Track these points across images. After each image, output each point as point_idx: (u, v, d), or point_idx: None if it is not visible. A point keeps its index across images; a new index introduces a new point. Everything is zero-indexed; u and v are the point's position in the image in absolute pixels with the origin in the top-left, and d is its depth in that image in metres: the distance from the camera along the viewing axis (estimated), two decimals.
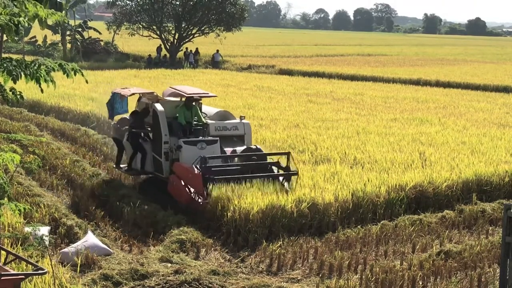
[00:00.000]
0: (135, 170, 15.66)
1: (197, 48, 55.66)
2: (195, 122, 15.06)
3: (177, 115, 14.95)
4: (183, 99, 15.30)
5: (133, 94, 16.12)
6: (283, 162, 14.76)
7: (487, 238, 12.65)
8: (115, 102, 16.72)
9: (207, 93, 15.96)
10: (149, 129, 15.48)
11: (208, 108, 16.28)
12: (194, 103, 15.22)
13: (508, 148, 18.86)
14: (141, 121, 15.50)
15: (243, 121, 15.54)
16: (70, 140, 21.87)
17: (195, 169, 13.64)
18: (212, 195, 13.18)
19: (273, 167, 14.58)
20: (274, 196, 12.93)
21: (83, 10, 77.83)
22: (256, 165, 14.34)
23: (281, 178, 14.11)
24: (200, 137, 14.72)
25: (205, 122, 15.12)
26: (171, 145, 14.60)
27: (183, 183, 13.91)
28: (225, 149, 14.75)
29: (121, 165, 16.10)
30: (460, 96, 33.95)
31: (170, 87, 16.01)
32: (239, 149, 14.79)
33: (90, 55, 54.52)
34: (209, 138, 14.81)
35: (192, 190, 13.71)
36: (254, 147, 15.02)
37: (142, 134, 15.60)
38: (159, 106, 14.89)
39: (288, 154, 14.64)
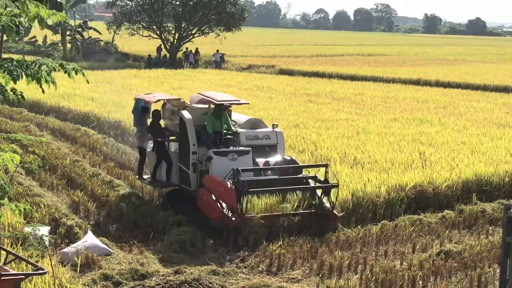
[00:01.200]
0: (160, 182, 14.60)
1: (197, 48, 55.67)
2: (224, 131, 13.91)
3: (206, 123, 13.77)
4: (212, 106, 14.20)
5: (158, 100, 14.97)
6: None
7: (487, 238, 12.65)
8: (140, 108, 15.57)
9: (239, 100, 14.79)
10: (174, 137, 14.54)
11: (238, 116, 15.05)
12: (224, 111, 14.08)
13: (508, 148, 18.87)
14: (158, 128, 14.55)
15: (275, 129, 14.26)
16: (70, 140, 21.88)
17: (228, 183, 12.46)
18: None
19: (310, 180, 13.42)
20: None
21: (83, 10, 77.94)
22: (293, 179, 13.26)
23: (319, 193, 13.02)
24: (231, 147, 13.58)
25: (235, 131, 13.94)
26: (199, 156, 13.49)
27: (214, 198, 12.71)
28: (257, 160, 13.62)
29: (144, 176, 15.13)
30: (460, 96, 33.95)
31: (199, 93, 14.90)
32: (272, 160, 13.69)
33: (90, 55, 54.54)
34: (241, 148, 13.62)
35: (224, 205, 12.53)
36: (289, 158, 13.92)
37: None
38: (186, 114, 13.73)
39: (326, 166, 13.36)
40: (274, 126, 14.39)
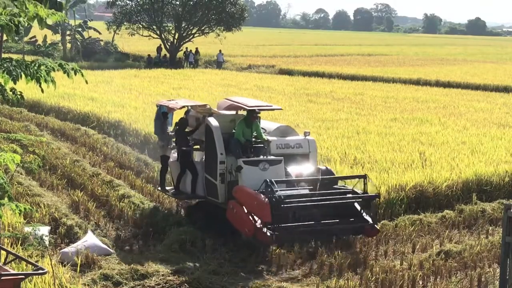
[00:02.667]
0: (185, 193, 13.74)
1: (197, 48, 55.66)
2: (253, 139, 13.08)
3: (235, 131, 12.97)
4: (240, 112, 13.43)
5: (183, 107, 14.00)
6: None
7: (487, 238, 12.65)
8: (158, 116, 14.55)
9: (271, 106, 13.93)
10: (197, 146, 13.83)
11: (268, 123, 14.23)
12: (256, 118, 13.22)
13: (508, 148, 18.87)
14: (184, 136, 13.71)
15: (307, 137, 13.45)
16: (70, 140, 21.88)
17: (262, 196, 11.54)
18: None
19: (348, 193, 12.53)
20: None
21: (83, 10, 77.86)
22: (331, 192, 12.44)
23: (358, 207, 12.28)
24: (261, 157, 12.76)
25: (266, 139, 13.03)
26: (228, 166, 12.61)
27: (246, 211, 11.80)
28: (288, 169, 12.87)
29: (167, 188, 14.32)
30: (460, 96, 33.95)
31: (227, 99, 13.87)
32: (305, 170, 12.98)
33: (90, 55, 54.55)
34: (272, 157, 12.77)
35: (257, 219, 11.65)
36: (324, 168, 13.17)
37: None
38: (213, 121, 12.86)
39: (364, 177, 12.44)
40: (306, 133, 13.61)
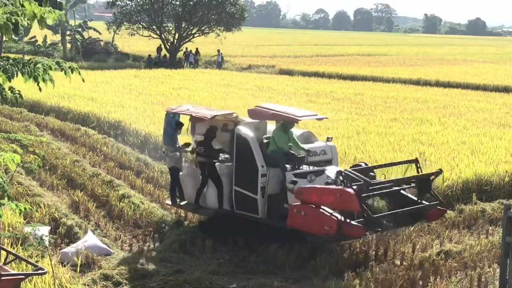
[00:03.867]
0: (209, 209, 12.87)
1: (197, 48, 55.66)
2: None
3: (273, 140, 12.36)
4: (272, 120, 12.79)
5: (214, 116, 12.73)
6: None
7: (487, 238, 12.65)
8: (169, 124, 13.44)
9: (316, 115, 13.18)
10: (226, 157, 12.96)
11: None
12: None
13: (508, 148, 18.86)
14: (213, 147, 12.83)
15: (329, 143, 13.12)
16: (70, 140, 21.88)
17: (347, 187, 11.01)
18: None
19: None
20: None
21: (83, 10, 77.91)
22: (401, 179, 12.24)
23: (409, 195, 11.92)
24: (304, 167, 12.25)
25: (303, 148, 12.55)
26: (268, 178, 11.97)
27: (322, 210, 11.12)
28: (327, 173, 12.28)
29: (181, 203, 13.46)
30: (460, 96, 33.95)
31: (258, 107, 13.01)
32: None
33: (90, 55, 54.56)
34: (317, 168, 12.31)
35: (338, 215, 10.99)
36: (364, 164, 12.76)
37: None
38: (247, 131, 12.28)
39: (416, 161, 12.41)
40: (328, 139, 13.30)
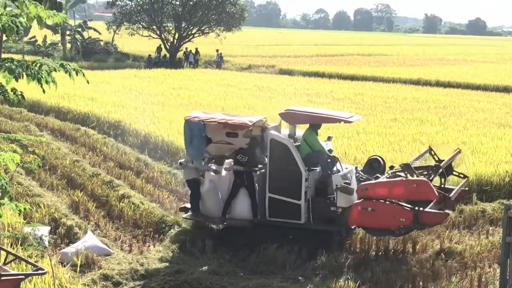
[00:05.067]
0: (241, 219, 12.35)
1: (196, 48, 55.62)
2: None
3: (306, 143, 12.44)
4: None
5: (254, 123, 12.42)
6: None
7: (487, 238, 12.65)
8: (199, 134, 12.62)
9: (352, 115, 13.13)
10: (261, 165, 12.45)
11: (298, 131, 13.40)
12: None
13: (509, 148, 18.85)
14: (257, 156, 12.45)
15: (328, 142, 13.39)
16: (70, 140, 21.88)
17: (419, 176, 11.42)
18: None
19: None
20: None
21: (83, 10, 77.87)
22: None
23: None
24: (338, 168, 12.33)
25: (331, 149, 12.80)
26: (310, 182, 11.98)
27: (394, 203, 11.36)
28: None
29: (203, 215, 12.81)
30: (460, 96, 33.94)
31: (289, 110, 12.92)
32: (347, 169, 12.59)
33: (90, 55, 54.53)
34: (349, 168, 12.63)
35: (408, 206, 11.28)
36: (379, 158, 13.21)
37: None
38: (282, 136, 12.25)
39: (430, 149, 12.79)
40: (329, 138, 13.62)
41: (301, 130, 13.33)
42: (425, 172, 12.04)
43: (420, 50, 79.80)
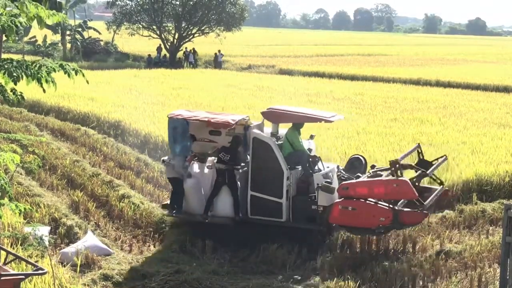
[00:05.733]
0: (224, 217, 12.45)
1: (193, 48, 55.51)
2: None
3: (288, 142, 12.47)
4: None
5: (237, 122, 12.51)
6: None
7: (487, 238, 12.65)
8: (183, 132, 12.77)
9: (334, 115, 13.06)
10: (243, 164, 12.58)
11: (281, 130, 13.48)
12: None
13: (509, 148, 18.85)
14: (239, 154, 12.59)
15: (310, 141, 13.56)
16: (70, 140, 21.88)
17: (398, 177, 11.50)
18: None
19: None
20: None
21: (83, 10, 77.84)
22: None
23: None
24: (319, 167, 12.47)
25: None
26: (291, 181, 12.09)
27: (374, 202, 11.54)
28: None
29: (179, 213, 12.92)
30: (460, 96, 33.93)
31: (271, 109, 12.96)
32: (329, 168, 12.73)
33: (90, 55, 54.54)
34: (331, 166, 12.76)
35: (387, 205, 11.47)
36: (361, 157, 13.47)
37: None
38: (264, 135, 12.35)
39: (418, 146, 13.27)
40: (312, 136, 13.77)
41: (284, 129, 13.35)
42: (414, 178, 12.03)
43: (420, 50, 79.76)
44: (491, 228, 13.50)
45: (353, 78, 42.99)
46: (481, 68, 52.93)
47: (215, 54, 53.93)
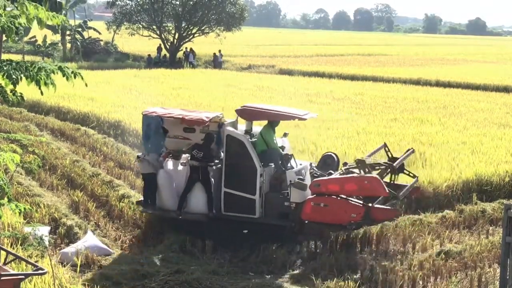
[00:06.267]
0: (196, 213, 12.60)
1: (191, 48, 55.44)
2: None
3: (262, 140, 12.64)
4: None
5: (211, 119, 12.74)
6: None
7: (487, 238, 12.65)
8: (156, 129, 13.09)
9: (307, 113, 13.20)
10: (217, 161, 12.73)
11: (255, 127, 13.57)
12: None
13: (509, 148, 18.85)
14: (212, 151, 12.75)
15: (284, 138, 13.75)
16: (70, 140, 21.87)
17: (368, 174, 11.87)
18: None
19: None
20: None
21: (83, 10, 77.80)
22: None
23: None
24: (292, 165, 12.69)
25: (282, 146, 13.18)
26: (264, 178, 12.19)
27: (345, 199, 11.84)
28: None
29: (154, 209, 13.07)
30: (460, 96, 33.93)
31: (245, 107, 13.05)
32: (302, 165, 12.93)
33: (90, 55, 54.52)
34: (303, 163, 12.99)
35: (359, 202, 11.80)
36: (333, 154, 13.81)
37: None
38: (238, 132, 12.49)
39: (385, 145, 13.84)
40: (285, 134, 13.99)
41: (258, 126, 13.46)
42: (378, 169, 12.48)
43: (420, 50, 79.76)
44: (491, 228, 13.50)
45: (353, 78, 42.98)
46: (481, 68, 52.92)
47: (214, 54, 53.92)
